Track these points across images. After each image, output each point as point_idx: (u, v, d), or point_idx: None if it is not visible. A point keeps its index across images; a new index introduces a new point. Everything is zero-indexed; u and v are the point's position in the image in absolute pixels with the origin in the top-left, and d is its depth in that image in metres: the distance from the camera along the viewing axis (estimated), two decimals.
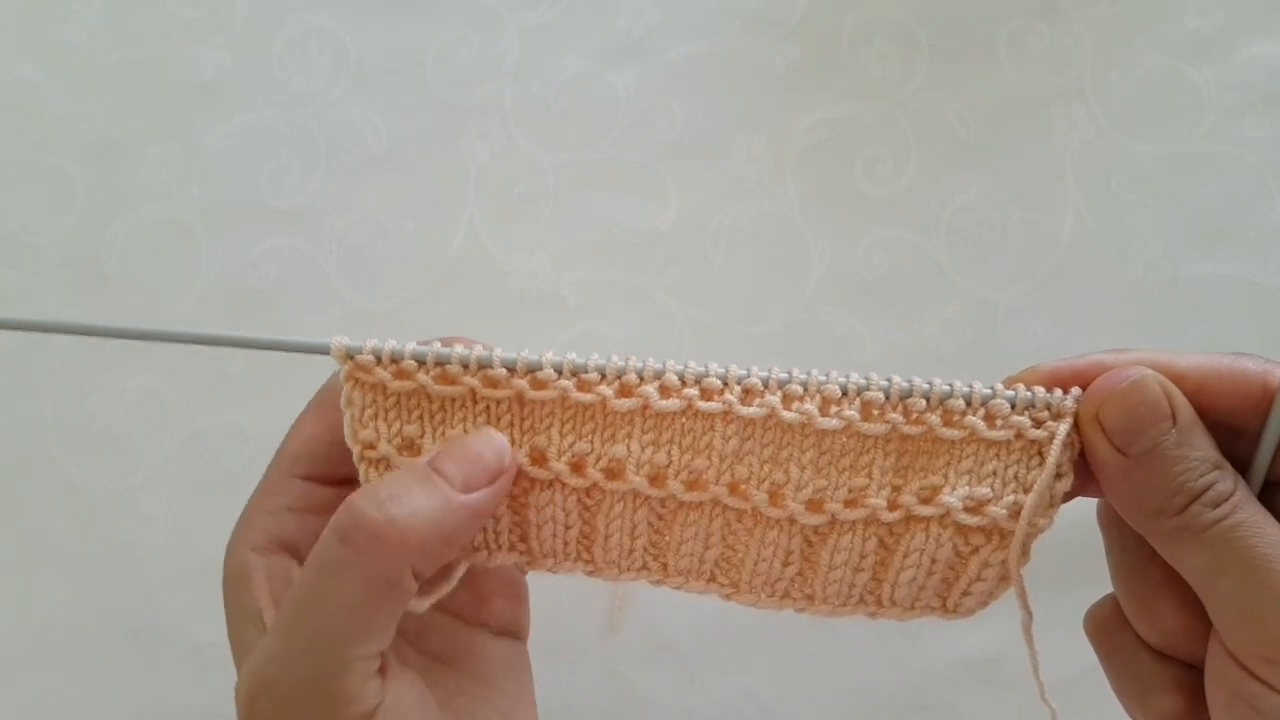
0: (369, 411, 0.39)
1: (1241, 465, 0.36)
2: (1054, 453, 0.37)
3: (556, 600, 0.63)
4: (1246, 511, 0.34)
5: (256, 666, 0.36)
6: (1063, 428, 0.37)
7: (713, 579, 0.41)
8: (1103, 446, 0.36)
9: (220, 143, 0.71)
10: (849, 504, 0.38)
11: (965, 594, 0.39)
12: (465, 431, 0.39)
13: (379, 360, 0.39)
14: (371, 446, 0.40)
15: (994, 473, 0.38)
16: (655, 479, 0.39)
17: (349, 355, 0.39)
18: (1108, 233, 0.65)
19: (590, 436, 0.38)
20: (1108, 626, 0.40)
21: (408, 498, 0.35)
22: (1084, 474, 0.38)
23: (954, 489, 0.38)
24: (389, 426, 0.39)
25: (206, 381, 0.68)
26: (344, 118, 0.71)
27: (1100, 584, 0.42)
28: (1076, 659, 0.45)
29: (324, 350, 0.39)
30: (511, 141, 0.69)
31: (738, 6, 0.70)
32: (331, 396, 0.42)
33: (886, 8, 0.69)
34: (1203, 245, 0.64)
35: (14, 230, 0.71)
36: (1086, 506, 0.43)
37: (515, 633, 0.46)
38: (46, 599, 0.66)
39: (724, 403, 0.37)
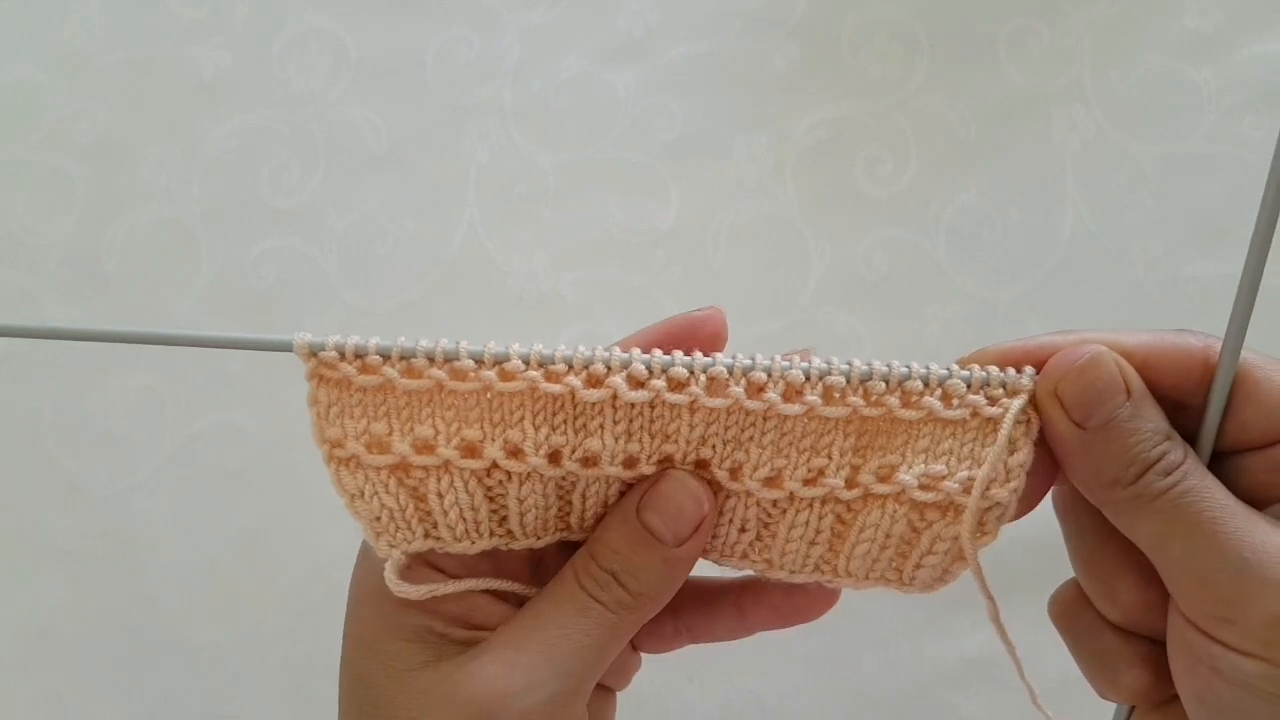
0: (334, 409, 0.39)
1: (1187, 438, 0.37)
2: (1006, 424, 0.37)
3: None
4: (1195, 478, 0.35)
5: (495, 685, 0.38)
6: (1016, 402, 0.38)
7: None
8: (1061, 421, 0.37)
9: (220, 143, 0.71)
10: (808, 483, 0.39)
11: (918, 567, 0.40)
12: (435, 430, 0.39)
13: (343, 355, 0.38)
14: (339, 445, 0.39)
15: (949, 450, 0.39)
16: (628, 463, 0.40)
17: (313, 352, 0.38)
18: (1108, 233, 0.65)
19: (564, 428, 0.39)
20: (1071, 609, 0.40)
21: (641, 569, 0.40)
22: (1046, 463, 0.39)
23: (910, 467, 0.39)
24: (355, 424, 0.39)
25: (206, 381, 0.68)
26: (344, 118, 0.71)
27: None
28: (1060, 669, 0.45)
29: (286, 347, 0.38)
30: (511, 141, 0.69)
31: (738, 6, 0.70)
32: None
33: (886, 8, 0.69)
34: (1203, 245, 0.64)
35: (14, 230, 0.71)
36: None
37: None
38: (46, 599, 0.66)
39: (690, 395, 0.38)
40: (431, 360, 0.38)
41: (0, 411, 0.69)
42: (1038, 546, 0.42)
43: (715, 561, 0.42)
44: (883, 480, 0.39)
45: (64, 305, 0.70)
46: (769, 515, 0.40)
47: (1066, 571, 0.42)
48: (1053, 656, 0.43)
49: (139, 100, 0.72)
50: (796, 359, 0.38)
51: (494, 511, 0.41)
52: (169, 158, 0.71)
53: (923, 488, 0.38)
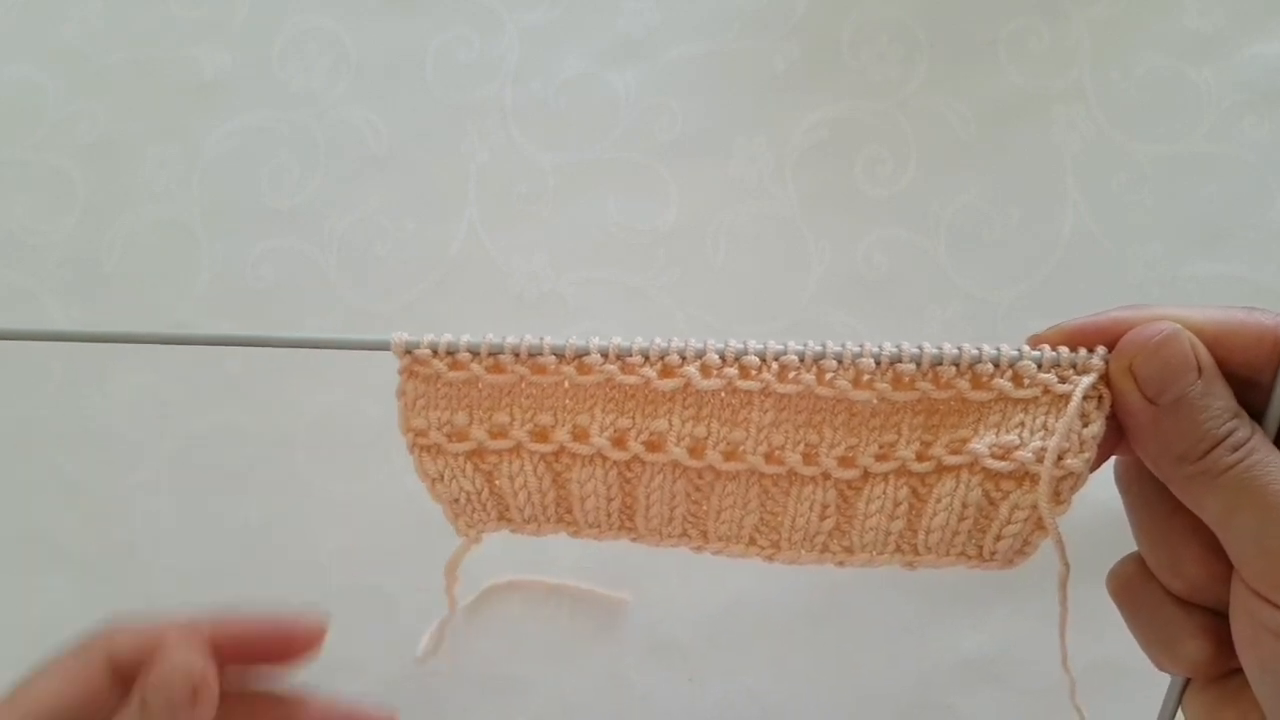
0: (421, 402, 0.42)
1: (1254, 415, 0.38)
2: (1077, 395, 0.39)
3: (557, 600, 0.63)
4: (1262, 453, 0.36)
5: None
6: (1086, 378, 0.39)
7: (752, 542, 0.43)
8: (1134, 396, 0.38)
9: (220, 143, 0.71)
10: (879, 458, 0.41)
11: (999, 538, 0.41)
12: (511, 417, 0.42)
13: (435, 353, 0.42)
14: (423, 434, 0.43)
15: (1021, 423, 0.40)
16: (694, 450, 0.41)
17: (408, 350, 0.42)
18: (1108, 233, 0.65)
19: (632, 413, 0.41)
20: (1132, 582, 0.41)
21: None
22: (1111, 435, 0.40)
23: (981, 439, 0.40)
24: (438, 414, 0.42)
25: (206, 381, 0.68)
26: (344, 118, 0.71)
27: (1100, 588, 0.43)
28: (1080, 657, 0.45)
29: (384, 346, 0.42)
30: (511, 141, 0.69)
31: (738, 6, 0.70)
32: (87, 654, 0.45)
33: (886, 8, 0.69)
34: (1203, 245, 0.64)
35: (14, 230, 0.71)
36: (1088, 514, 0.43)
37: None
38: (46, 599, 0.66)
39: (762, 381, 0.40)
40: (517, 356, 0.41)
41: (0, 411, 0.69)
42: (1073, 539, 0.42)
43: (790, 562, 0.43)
44: (954, 453, 0.40)
45: (64, 305, 0.70)
46: (844, 498, 0.42)
47: (1095, 561, 0.42)
48: (1076, 646, 0.43)
49: (139, 100, 0.72)
50: (867, 345, 0.40)
51: (560, 499, 0.43)
52: (169, 158, 0.71)
53: (995, 456, 0.40)
